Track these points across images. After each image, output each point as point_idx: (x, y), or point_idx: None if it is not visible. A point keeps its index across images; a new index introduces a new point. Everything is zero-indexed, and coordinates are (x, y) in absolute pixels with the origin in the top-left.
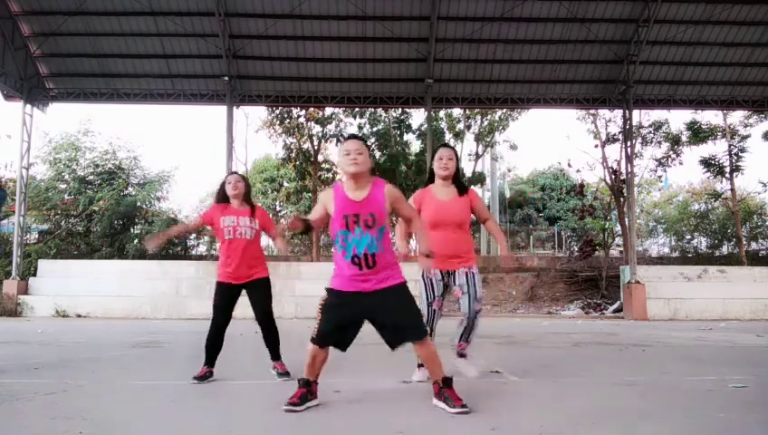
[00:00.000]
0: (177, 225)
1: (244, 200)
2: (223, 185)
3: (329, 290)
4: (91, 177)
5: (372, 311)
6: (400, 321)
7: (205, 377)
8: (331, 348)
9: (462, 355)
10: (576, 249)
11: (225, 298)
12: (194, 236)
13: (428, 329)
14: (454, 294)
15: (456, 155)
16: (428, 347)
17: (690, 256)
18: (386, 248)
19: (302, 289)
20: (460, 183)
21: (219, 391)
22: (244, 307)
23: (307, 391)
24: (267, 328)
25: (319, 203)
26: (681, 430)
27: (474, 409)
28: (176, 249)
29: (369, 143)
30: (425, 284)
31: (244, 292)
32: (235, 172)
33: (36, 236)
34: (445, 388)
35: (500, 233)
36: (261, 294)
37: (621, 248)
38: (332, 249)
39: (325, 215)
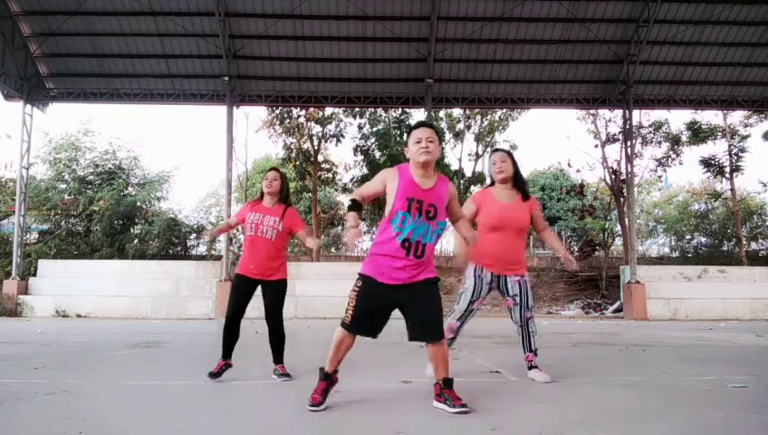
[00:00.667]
0: (220, 225)
1: (279, 199)
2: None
3: (364, 277)
4: (91, 177)
5: (404, 302)
6: (424, 318)
7: (221, 371)
8: (327, 346)
9: (533, 367)
10: (576, 249)
11: (240, 290)
12: (194, 236)
13: (459, 324)
14: (506, 304)
15: (511, 157)
16: (442, 348)
17: (690, 256)
18: (435, 242)
19: (302, 289)
20: (523, 188)
21: (219, 391)
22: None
23: (328, 385)
24: (275, 330)
25: (378, 179)
26: (681, 430)
27: (474, 409)
28: (176, 249)
29: (369, 143)
30: (474, 282)
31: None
32: (275, 169)
33: (36, 236)
34: (445, 389)
35: (558, 241)
36: (275, 294)
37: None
38: (378, 227)
39: (381, 191)
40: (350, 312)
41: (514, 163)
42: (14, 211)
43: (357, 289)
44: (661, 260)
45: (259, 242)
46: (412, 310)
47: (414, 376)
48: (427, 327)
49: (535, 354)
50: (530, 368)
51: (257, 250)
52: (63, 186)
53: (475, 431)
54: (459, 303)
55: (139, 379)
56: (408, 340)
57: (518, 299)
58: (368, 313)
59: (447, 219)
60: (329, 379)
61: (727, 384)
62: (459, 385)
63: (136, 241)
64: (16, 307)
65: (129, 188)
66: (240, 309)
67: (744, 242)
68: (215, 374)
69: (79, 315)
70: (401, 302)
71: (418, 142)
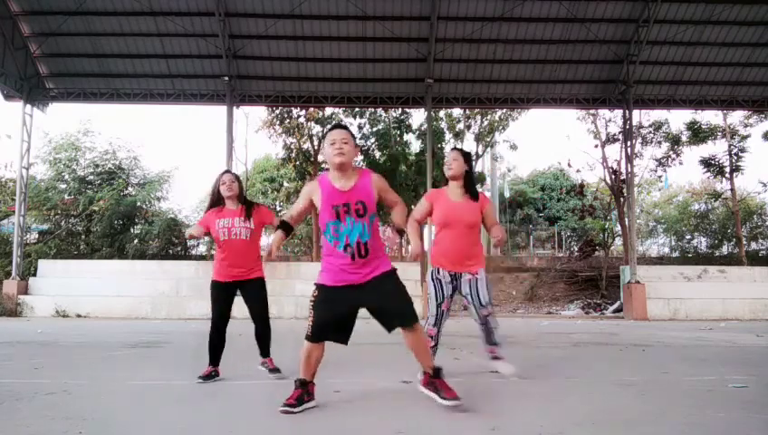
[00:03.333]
0: (193, 229)
1: (238, 200)
2: (217, 186)
3: (318, 286)
4: (91, 177)
5: (365, 299)
6: (391, 305)
7: (210, 376)
8: (327, 346)
9: (496, 358)
10: (576, 249)
11: (220, 296)
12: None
13: (437, 329)
14: (464, 303)
15: (465, 156)
16: (418, 335)
17: (690, 256)
18: (376, 236)
19: (302, 289)
20: (471, 188)
21: (219, 391)
22: (243, 306)
23: (303, 392)
24: (261, 325)
25: (303, 196)
26: (681, 430)
27: (474, 409)
28: (176, 249)
29: (369, 143)
30: (434, 285)
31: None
32: (229, 171)
33: (36, 236)
34: (435, 378)
35: (499, 228)
36: (256, 292)
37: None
38: (321, 241)
39: (309, 207)
40: (310, 322)
41: (468, 163)
42: (14, 211)
43: (314, 299)
44: (661, 260)
45: (234, 244)
46: (378, 304)
47: (414, 376)
48: (397, 314)
49: (497, 346)
50: (493, 359)
51: (234, 252)
52: (63, 186)
53: (475, 431)
54: (430, 309)
55: (140, 379)
56: (387, 332)
57: (470, 298)
58: (329, 319)
59: (375, 211)
60: (305, 386)
61: (727, 384)
62: (459, 385)
63: (136, 241)
64: (16, 307)
65: (129, 188)
66: (223, 315)
67: (744, 242)
68: (205, 377)
69: (79, 315)
70: (365, 301)
71: (333, 144)
